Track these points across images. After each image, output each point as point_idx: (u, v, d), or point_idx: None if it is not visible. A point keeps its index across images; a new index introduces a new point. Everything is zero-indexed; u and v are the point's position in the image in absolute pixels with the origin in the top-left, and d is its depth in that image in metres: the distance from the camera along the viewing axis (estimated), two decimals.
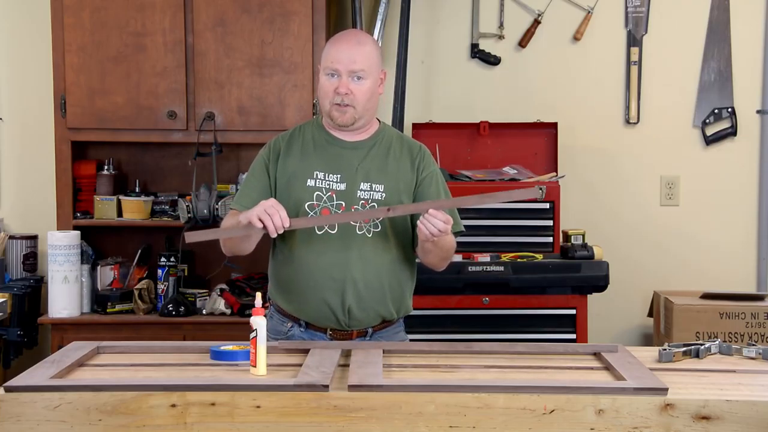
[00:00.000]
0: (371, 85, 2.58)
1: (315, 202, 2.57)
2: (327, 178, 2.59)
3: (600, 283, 3.65)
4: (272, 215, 2.39)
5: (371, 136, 2.67)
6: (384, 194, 2.59)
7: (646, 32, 4.20)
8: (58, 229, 3.77)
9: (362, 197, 2.58)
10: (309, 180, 2.59)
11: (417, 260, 2.71)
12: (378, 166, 2.62)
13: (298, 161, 2.62)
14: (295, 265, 2.60)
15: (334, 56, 2.56)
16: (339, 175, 2.60)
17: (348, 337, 2.60)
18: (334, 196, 2.58)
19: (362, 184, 2.59)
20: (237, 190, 3.81)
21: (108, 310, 3.76)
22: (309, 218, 2.55)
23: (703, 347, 2.44)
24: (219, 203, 3.71)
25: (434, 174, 2.68)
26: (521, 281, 3.61)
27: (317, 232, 2.57)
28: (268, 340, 2.22)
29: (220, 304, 3.76)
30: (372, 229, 2.58)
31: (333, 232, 2.57)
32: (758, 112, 4.19)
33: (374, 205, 2.58)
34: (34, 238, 4.06)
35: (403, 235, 2.65)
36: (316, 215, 2.56)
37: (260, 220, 2.39)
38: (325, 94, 2.58)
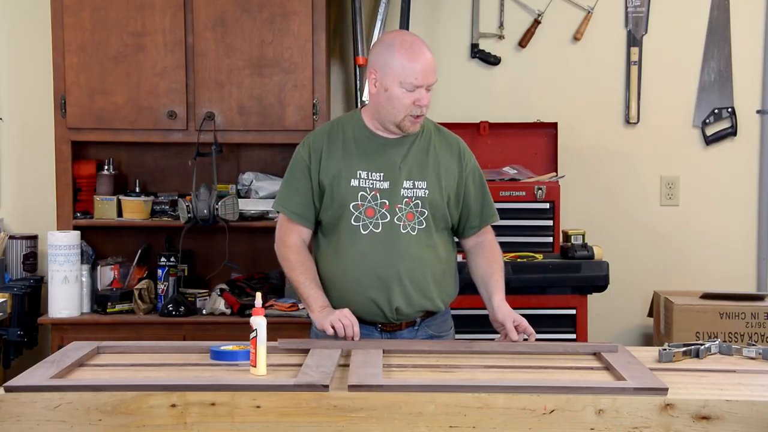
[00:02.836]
0: None
1: (359, 202, 2.61)
2: (370, 177, 2.62)
3: (600, 283, 3.64)
4: (346, 326, 2.53)
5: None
6: (427, 191, 2.64)
7: (646, 32, 4.20)
8: (58, 229, 3.77)
9: (406, 195, 2.62)
10: (353, 180, 2.62)
11: (462, 260, 2.80)
12: (420, 162, 2.65)
13: (341, 161, 2.64)
14: (340, 263, 2.63)
15: (419, 73, 2.55)
16: (381, 174, 2.63)
17: (397, 328, 2.66)
18: (377, 195, 2.62)
19: (405, 182, 2.63)
20: (245, 189, 3.87)
21: (108, 310, 3.76)
22: (375, 339, 2.62)
23: (703, 347, 2.44)
24: (219, 203, 3.70)
25: (475, 168, 2.75)
26: (521, 281, 3.60)
27: (362, 231, 2.60)
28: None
29: (220, 304, 3.76)
30: (417, 227, 2.62)
31: (378, 231, 2.60)
32: (758, 112, 4.19)
33: (417, 203, 2.62)
34: (34, 238, 4.05)
35: (445, 227, 2.70)
36: (361, 215, 2.60)
37: (333, 326, 2.53)
38: (402, 106, 2.57)
